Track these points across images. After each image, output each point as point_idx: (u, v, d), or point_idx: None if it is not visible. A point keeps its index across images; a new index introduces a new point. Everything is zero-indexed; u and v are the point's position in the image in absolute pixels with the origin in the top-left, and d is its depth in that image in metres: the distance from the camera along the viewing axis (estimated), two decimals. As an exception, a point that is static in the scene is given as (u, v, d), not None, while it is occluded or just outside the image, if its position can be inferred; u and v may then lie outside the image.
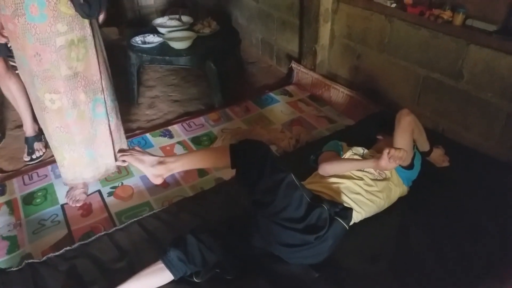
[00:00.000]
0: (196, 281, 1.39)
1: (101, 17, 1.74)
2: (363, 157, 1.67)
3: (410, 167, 1.66)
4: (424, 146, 1.79)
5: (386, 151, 1.40)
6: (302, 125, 2.48)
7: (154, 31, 2.94)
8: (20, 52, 1.61)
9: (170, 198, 1.94)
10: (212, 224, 1.59)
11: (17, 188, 2.03)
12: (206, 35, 2.88)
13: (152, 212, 1.80)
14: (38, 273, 1.49)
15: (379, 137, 1.86)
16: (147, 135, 2.43)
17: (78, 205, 1.90)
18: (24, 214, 1.87)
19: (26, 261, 1.54)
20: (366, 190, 1.56)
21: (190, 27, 2.95)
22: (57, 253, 1.57)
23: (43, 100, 1.67)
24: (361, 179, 1.59)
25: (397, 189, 1.65)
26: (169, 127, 2.50)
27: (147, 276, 1.36)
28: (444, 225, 1.60)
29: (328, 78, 2.79)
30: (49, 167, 2.15)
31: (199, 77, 3.13)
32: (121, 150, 1.49)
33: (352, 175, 1.60)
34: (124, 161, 1.50)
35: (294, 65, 2.99)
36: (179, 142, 2.37)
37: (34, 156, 2.26)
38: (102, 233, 1.68)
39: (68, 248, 1.60)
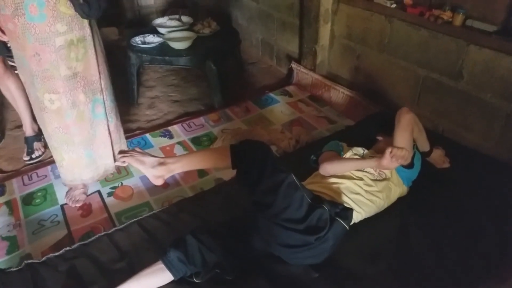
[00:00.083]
0: (196, 281, 1.39)
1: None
2: (363, 158, 1.67)
3: (410, 166, 1.66)
4: (424, 145, 1.79)
5: (388, 150, 1.40)
6: (302, 125, 2.48)
7: (154, 31, 2.94)
8: (20, 52, 1.61)
9: (170, 198, 1.94)
10: (212, 224, 1.59)
11: (16, 188, 2.03)
12: (206, 36, 2.88)
13: (152, 213, 1.79)
14: (37, 273, 1.49)
15: (379, 137, 1.85)
16: (147, 135, 2.43)
17: (77, 205, 1.90)
18: (24, 215, 1.87)
19: (26, 262, 1.53)
20: (366, 190, 1.56)
21: (190, 28, 2.95)
22: (56, 254, 1.57)
23: (42, 100, 1.67)
24: (361, 179, 1.59)
25: (397, 189, 1.65)
26: (169, 128, 2.50)
27: (147, 276, 1.36)
28: (444, 225, 1.60)
29: (328, 78, 2.79)
30: (49, 167, 2.15)
31: (199, 77, 3.12)
32: (121, 151, 1.48)
33: (352, 175, 1.60)
34: (124, 161, 1.50)
35: (294, 65, 2.99)
36: (179, 143, 2.37)
37: (33, 156, 2.26)
38: (102, 234, 1.67)
39: (67, 248, 1.60)
